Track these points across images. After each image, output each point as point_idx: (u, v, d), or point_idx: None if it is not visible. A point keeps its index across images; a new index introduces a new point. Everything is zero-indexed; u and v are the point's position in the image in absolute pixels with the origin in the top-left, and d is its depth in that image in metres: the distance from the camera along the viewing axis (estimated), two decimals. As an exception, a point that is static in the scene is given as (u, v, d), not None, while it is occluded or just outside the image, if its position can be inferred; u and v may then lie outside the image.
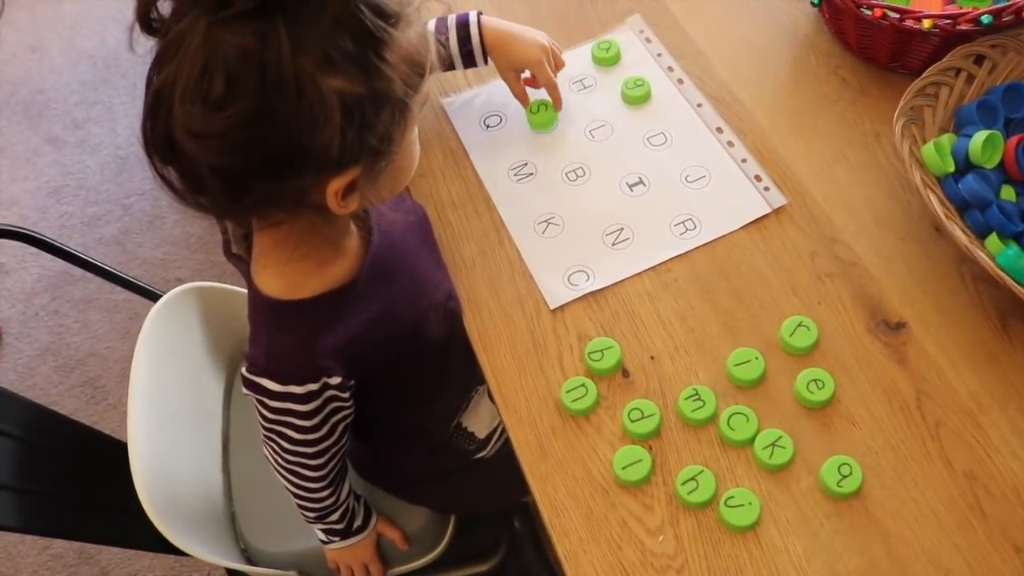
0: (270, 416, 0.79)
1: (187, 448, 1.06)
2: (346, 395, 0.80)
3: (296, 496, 0.90)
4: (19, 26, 2.44)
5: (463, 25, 0.96)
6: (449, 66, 0.98)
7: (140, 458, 0.93)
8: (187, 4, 0.56)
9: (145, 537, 0.96)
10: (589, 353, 0.82)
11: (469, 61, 0.98)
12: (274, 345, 0.76)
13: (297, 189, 0.63)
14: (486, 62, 0.98)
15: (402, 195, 0.89)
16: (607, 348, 0.82)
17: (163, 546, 0.94)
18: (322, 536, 0.98)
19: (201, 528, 1.01)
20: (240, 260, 0.79)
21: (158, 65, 0.58)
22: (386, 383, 0.86)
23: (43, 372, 1.81)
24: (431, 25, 0.93)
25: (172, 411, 1.03)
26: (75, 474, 1.01)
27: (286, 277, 0.74)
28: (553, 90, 0.99)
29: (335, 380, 0.77)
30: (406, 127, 0.67)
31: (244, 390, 0.78)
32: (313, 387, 0.76)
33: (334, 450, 0.85)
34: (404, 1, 0.62)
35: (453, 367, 0.91)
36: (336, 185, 0.63)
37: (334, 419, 0.82)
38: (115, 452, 0.97)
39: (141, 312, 1.13)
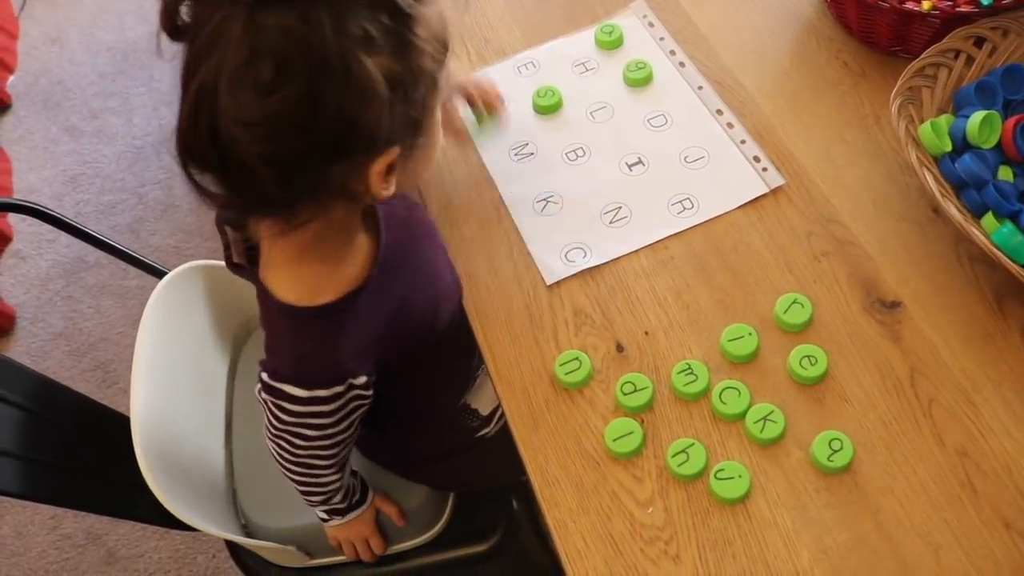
0: (288, 419, 0.78)
1: (190, 424, 1.07)
2: (369, 391, 0.80)
3: (303, 484, 0.91)
4: (40, 19, 2.48)
5: None
6: None
7: (142, 432, 0.94)
8: None
9: (146, 510, 0.97)
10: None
11: None
12: (298, 352, 0.76)
13: (342, 174, 0.63)
14: None
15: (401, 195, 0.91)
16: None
17: (164, 519, 0.96)
18: (323, 515, 0.99)
19: (202, 502, 1.02)
20: (242, 269, 0.78)
21: (196, 63, 0.57)
22: (403, 373, 0.86)
23: (56, 356, 1.83)
24: None
25: (176, 387, 1.05)
26: (80, 446, 1.02)
27: (303, 282, 0.73)
28: (492, 99, 0.95)
29: (360, 380, 0.77)
30: (436, 103, 0.68)
31: (262, 395, 0.78)
32: (339, 389, 0.76)
33: (348, 440, 0.86)
34: None
35: (461, 353, 0.92)
36: (379, 165, 0.64)
37: (354, 415, 0.82)
38: (120, 426, 0.98)
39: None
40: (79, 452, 1.01)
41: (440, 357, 0.91)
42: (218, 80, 0.56)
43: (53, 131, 2.21)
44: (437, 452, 1.05)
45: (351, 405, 0.80)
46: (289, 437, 0.81)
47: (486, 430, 1.02)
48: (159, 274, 1.18)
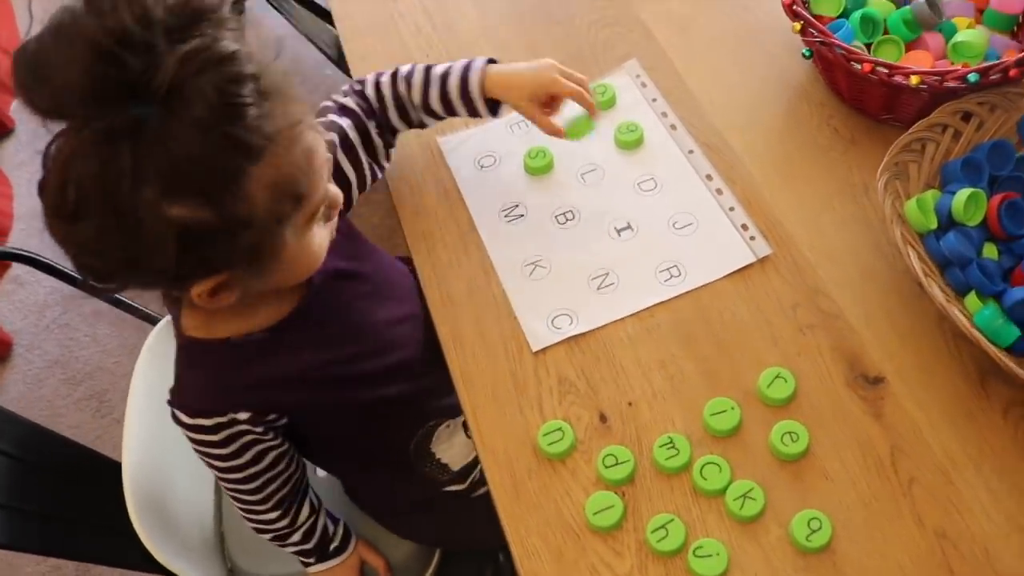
0: (194, 446, 0.84)
1: (180, 467, 1.07)
2: (260, 429, 0.83)
3: (246, 518, 0.94)
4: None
5: (464, 74, 0.92)
6: (451, 112, 0.95)
7: (133, 479, 0.96)
8: (68, 118, 0.60)
9: (135, 557, 0.98)
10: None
11: (471, 110, 0.94)
12: (185, 381, 0.82)
13: (161, 287, 0.69)
14: (493, 113, 0.95)
15: (374, 249, 0.93)
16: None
17: (152, 566, 0.96)
18: (300, 558, 0.99)
19: (190, 547, 1.03)
20: (174, 304, 0.82)
21: (43, 172, 0.62)
22: (314, 419, 0.89)
23: (51, 384, 1.84)
24: (437, 70, 0.94)
25: (167, 429, 1.04)
26: (68, 494, 1.03)
27: (203, 317, 0.78)
28: (580, 97, 0.93)
29: (243, 416, 0.80)
30: (282, 243, 0.68)
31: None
32: (221, 420, 0.80)
33: (268, 475, 0.88)
34: (279, 128, 0.62)
35: (395, 406, 0.92)
36: (197, 289, 0.67)
37: (255, 449, 0.84)
38: (109, 472, 0.99)
39: (149, 328, 1.16)
40: (67, 501, 1.01)
41: (363, 410, 0.90)
42: (45, 194, 0.61)
43: (55, 156, 2.22)
44: (405, 499, 1.04)
45: (243, 440, 0.82)
46: (207, 464, 0.86)
47: (461, 487, 1.01)
48: (148, 319, 1.20)
